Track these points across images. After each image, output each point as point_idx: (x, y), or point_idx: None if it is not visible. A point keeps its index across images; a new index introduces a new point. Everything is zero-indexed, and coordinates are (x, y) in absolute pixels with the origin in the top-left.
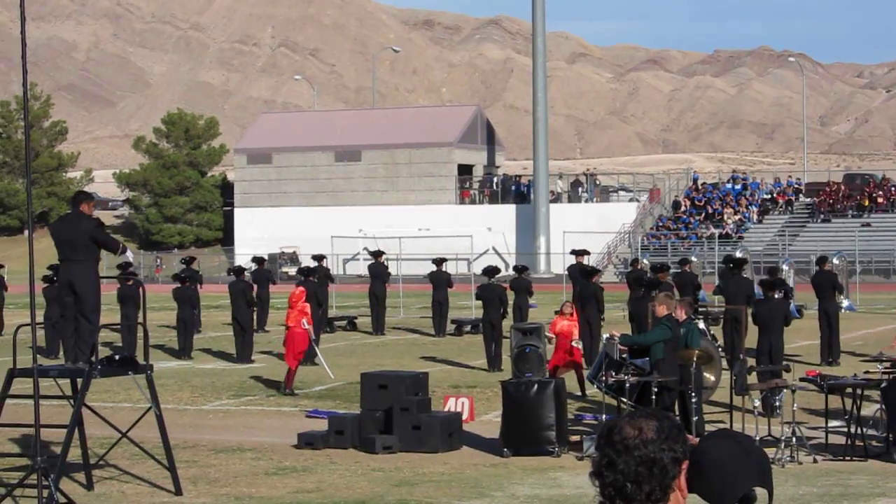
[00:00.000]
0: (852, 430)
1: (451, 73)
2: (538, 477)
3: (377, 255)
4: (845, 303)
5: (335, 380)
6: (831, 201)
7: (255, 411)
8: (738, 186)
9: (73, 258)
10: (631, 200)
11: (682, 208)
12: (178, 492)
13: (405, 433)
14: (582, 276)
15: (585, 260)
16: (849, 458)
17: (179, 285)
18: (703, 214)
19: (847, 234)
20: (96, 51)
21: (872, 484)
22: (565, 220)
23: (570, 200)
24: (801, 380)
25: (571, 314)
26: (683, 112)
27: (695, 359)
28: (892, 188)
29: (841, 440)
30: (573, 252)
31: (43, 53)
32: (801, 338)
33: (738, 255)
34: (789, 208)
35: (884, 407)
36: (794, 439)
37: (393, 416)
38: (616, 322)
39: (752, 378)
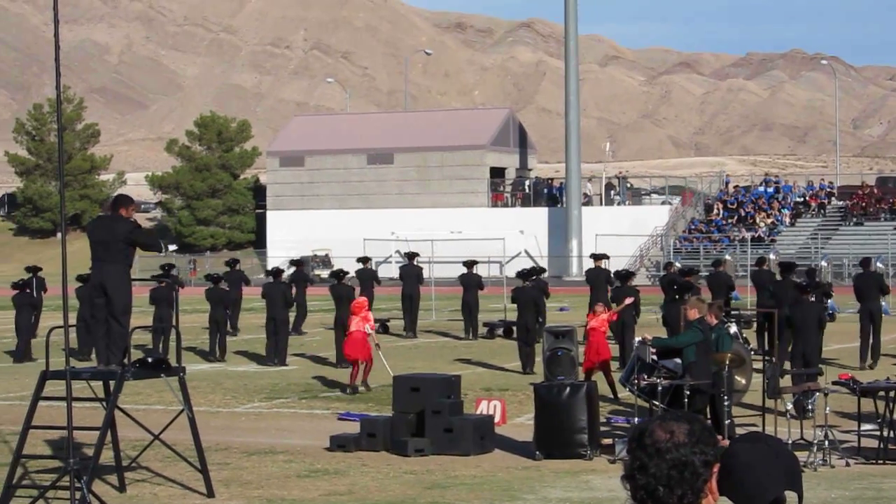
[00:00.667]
0: (885, 433)
1: (484, 76)
2: (570, 480)
3: (411, 256)
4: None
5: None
6: (864, 204)
7: (288, 414)
8: (770, 189)
9: (106, 259)
10: (663, 203)
11: (715, 211)
12: (211, 494)
13: (437, 436)
14: (617, 278)
15: (604, 263)
16: (881, 461)
17: (212, 286)
18: (736, 218)
19: (880, 238)
20: (129, 53)
21: None
22: (597, 223)
23: (603, 203)
24: (834, 383)
25: (603, 311)
26: (716, 115)
27: (727, 362)
28: None
29: (873, 444)
30: (593, 256)
31: (76, 56)
32: (836, 341)
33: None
34: (822, 211)
35: None
36: (826, 443)
37: (425, 418)
38: (649, 325)
39: (785, 381)
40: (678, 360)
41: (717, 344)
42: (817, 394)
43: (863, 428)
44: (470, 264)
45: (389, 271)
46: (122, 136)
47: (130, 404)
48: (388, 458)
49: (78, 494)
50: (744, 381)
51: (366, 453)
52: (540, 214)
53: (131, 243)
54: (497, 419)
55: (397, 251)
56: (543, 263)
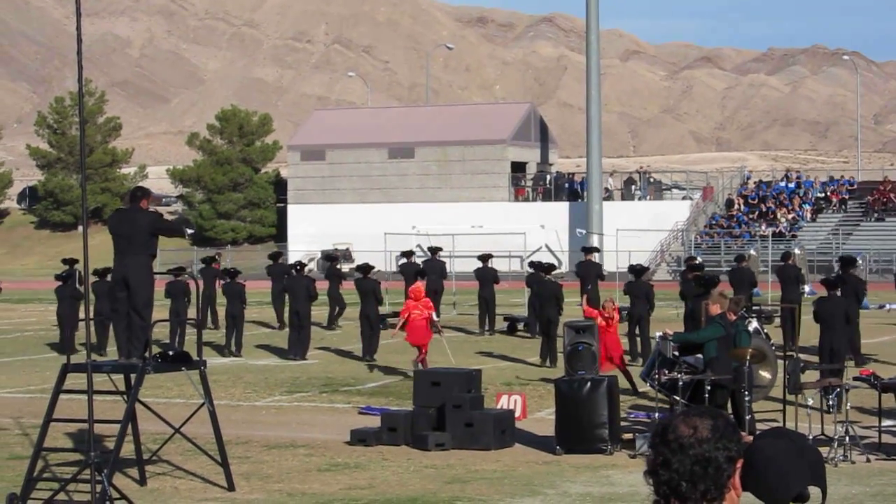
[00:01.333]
0: None
1: (505, 71)
2: (590, 475)
3: (434, 251)
4: None
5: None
6: (885, 200)
7: (308, 407)
8: (791, 185)
9: (129, 252)
10: (684, 199)
11: (736, 207)
12: (231, 488)
13: (458, 430)
14: (631, 273)
15: (595, 258)
16: None
17: (229, 281)
18: (757, 213)
19: None
20: (150, 47)
21: None
22: (618, 218)
23: (624, 198)
24: (855, 379)
25: (611, 314)
26: (737, 110)
27: (748, 357)
28: None
29: (895, 440)
30: (584, 249)
31: (97, 50)
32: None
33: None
34: (843, 207)
35: None
36: (847, 438)
37: (446, 413)
38: (668, 320)
39: (807, 376)
40: (699, 356)
41: (735, 340)
42: (838, 389)
43: (884, 424)
44: (485, 258)
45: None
46: (143, 130)
47: (151, 398)
48: (408, 453)
49: (98, 487)
50: (769, 377)
51: (386, 447)
52: (561, 209)
53: (156, 232)
54: (517, 414)
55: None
56: (564, 258)
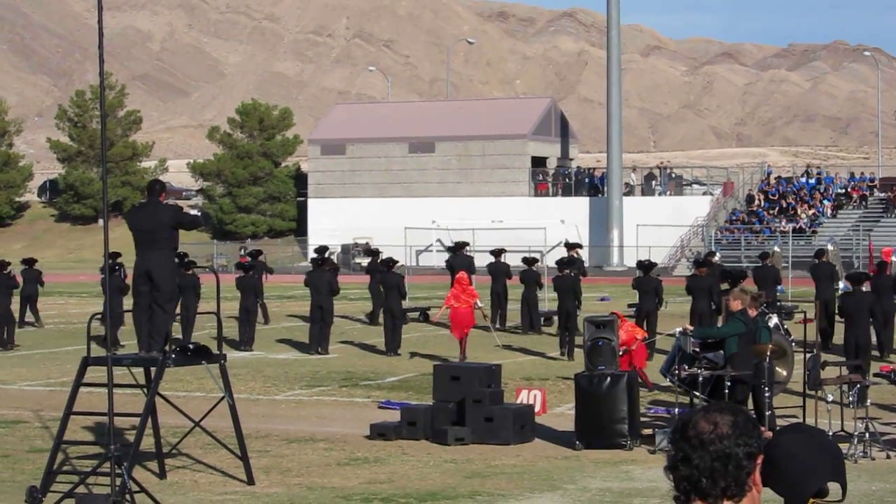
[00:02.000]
0: None
1: (525, 66)
2: (610, 470)
3: (460, 246)
4: None
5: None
6: None
7: (328, 401)
8: (812, 181)
9: (152, 247)
10: (704, 194)
11: (756, 202)
12: (251, 481)
13: (477, 425)
14: (640, 268)
15: (577, 253)
16: None
17: (243, 274)
18: (777, 209)
19: None
20: (171, 41)
21: None
22: (639, 214)
23: (644, 193)
24: (875, 375)
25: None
26: (758, 106)
27: (768, 353)
28: None
29: None
30: (566, 245)
31: (118, 43)
32: None
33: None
34: (863, 203)
35: None
36: (867, 435)
37: (465, 407)
38: (685, 315)
39: (827, 372)
40: (721, 352)
41: (755, 336)
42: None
43: None
44: (498, 253)
45: (430, 260)
46: (163, 124)
47: (171, 391)
48: (428, 447)
49: (118, 481)
50: (785, 373)
51: (406, 442)
52: (581, 204)
53: (177, 226)
54: (537, 409)
55: (438, 240)
56: (584, 253)
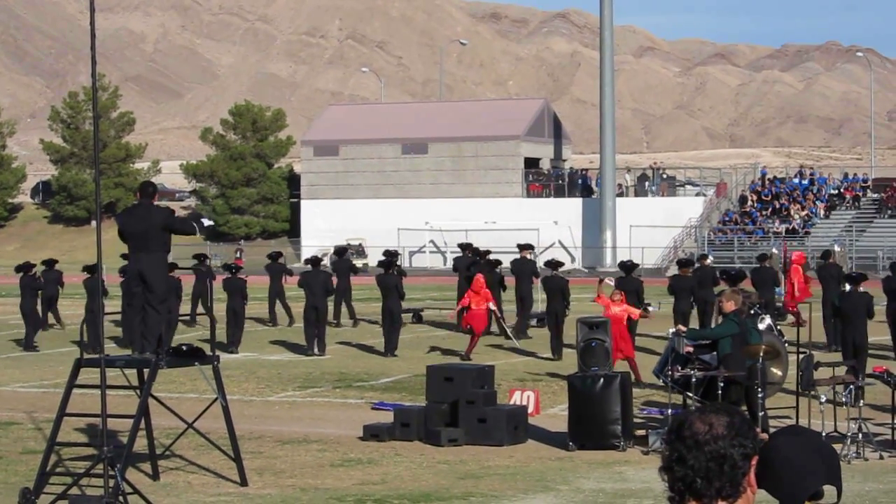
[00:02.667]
0: None
1: (519, 67)
2: (603, 471)
3: (465, 248)
4: None
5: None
6: None
7: (321, 403)
8: (805, 181)
9: (145, 249)
10: (697, 195)
11: (749, 203)
12: (244, 483)
13: (471, 426)
14: (622, 269)
15: (529, 255)
16: None
17: (229, 276)
18: (770, 209)
19: None
20: (164, 42)
21: None
22: (632, 215)
23: (637, 194)
24: (869, 375)
25: (620, 300)
26: (751, 106)
27: (761, 354)
28: None
29: None
30: (519, 246)
31: (111, 44)
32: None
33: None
34: (856, 204)
35: None
36: (860, 435)
37: (459, 408)
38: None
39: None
40: (715, 353)
41: (746, 337)
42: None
43: None
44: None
45: (423, 261)
46: (156, 125)
47: (164, 392)
48: (421, 448)
49: (111, 482)
50: (779, 373)
51: (399, 443)
52: (574, 205)
53: (168, 230)
54: (530, 410)
55: (431, 241)
56: (577, 254)
